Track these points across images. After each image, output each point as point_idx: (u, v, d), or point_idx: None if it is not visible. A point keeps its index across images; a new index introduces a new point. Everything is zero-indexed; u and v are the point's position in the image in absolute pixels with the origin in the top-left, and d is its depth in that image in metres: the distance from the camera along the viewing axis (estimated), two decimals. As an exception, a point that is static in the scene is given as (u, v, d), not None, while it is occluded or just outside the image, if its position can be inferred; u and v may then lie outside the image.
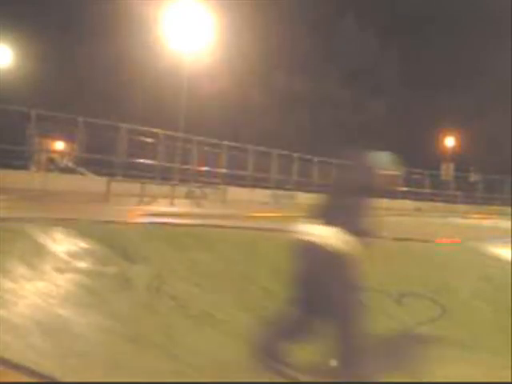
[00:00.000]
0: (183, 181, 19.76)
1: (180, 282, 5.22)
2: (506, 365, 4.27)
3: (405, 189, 29.44)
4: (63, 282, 4.50)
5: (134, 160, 19.68)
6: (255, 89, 33.47)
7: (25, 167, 16.94)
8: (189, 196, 17.38)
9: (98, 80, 35.31)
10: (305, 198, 20.20)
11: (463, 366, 4.51)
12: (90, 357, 3.43)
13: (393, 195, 27.75)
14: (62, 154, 20.36)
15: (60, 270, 4.66)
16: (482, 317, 6.03)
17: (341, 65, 36.95)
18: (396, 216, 14.91)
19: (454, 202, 32.25)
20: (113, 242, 5.50)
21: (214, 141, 22.72)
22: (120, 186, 15.32)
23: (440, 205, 30.33)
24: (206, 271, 5.59)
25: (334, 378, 3.69)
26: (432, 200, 31.73)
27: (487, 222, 17.08)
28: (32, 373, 2.78)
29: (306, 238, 3.86)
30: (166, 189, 16.32)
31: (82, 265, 4.94)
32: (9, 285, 4.03)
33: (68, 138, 20.35)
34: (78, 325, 3.82)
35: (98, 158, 18.81)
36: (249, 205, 16.34)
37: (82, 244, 5.31)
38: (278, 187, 24.02)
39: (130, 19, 28.34)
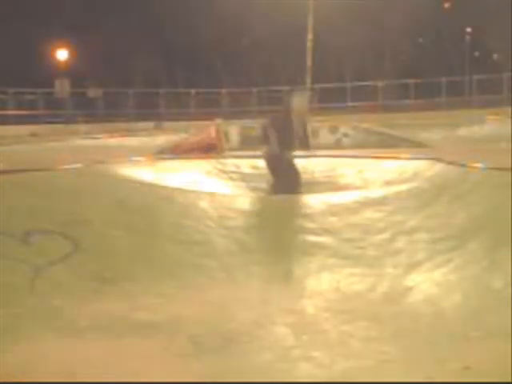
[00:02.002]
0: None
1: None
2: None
3: (17, 112, 27.26)
4: None
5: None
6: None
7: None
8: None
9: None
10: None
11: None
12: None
13: (3, 121, 25.20)
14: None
15: None
16: (119, 245, 5.96)
17: None
18: (10, 145, 14.72)
19: (74, 122, 29.07)
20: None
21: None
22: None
23: (59, 127, 27.21)
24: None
25: None
26: (49, 122, 28.68)
27: (113, 142, 16.92)
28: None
29: None
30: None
31: None
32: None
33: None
34: None
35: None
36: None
37: None
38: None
39: None
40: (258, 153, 8.63)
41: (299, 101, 8.27)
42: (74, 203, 6.60)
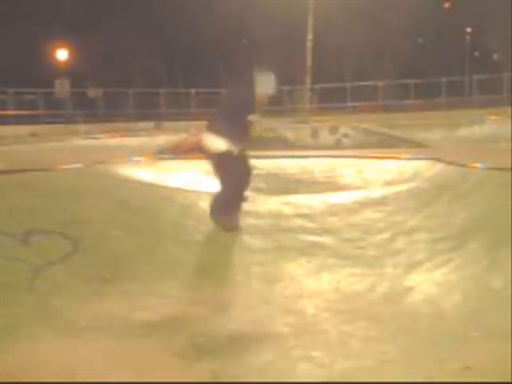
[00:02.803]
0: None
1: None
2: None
3: (17, 112, 27.21)
4: None
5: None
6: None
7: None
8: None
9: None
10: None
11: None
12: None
13: (4, 121, 25.17)
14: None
15: None
16: (119, 246, 5.97)
17: None
18: (10, 145, 14.77)
19: (74, 122, 29.22)
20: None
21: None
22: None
23: (59, 127, 27.29)
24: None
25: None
26: (48, 122, 28.81)
27: (113, 142, 17.01)
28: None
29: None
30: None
31: None
32: None
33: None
34: None
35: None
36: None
37: None
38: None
39: None
40: (258, 153, 8.63)
41: (265, 84, 6.39)
42: (74, 203, 6.60)
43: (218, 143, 6.31)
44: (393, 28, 42.66)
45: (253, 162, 6.96)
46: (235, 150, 6.33)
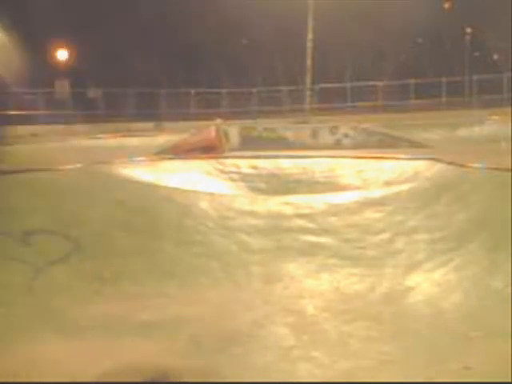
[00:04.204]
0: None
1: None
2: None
3: (17, 112, 26.86)
4: None
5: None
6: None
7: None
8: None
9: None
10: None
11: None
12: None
13: (5, 122, 24.02)
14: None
15: None
16: (119, 245, 5.97)
17: None
18: (10, 145, 14.63)
19: (74, 123, 29.03)
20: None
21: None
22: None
23: (59, 127, 27.21)
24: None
25: None
26: (48, 122, 28.67)
27: (113, 142, 17.07)
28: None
29: None
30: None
31: None
32: None
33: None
34: None
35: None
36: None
37: None
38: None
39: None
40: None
41: None
42: (75, 203, 6.60)
43: None
44: (393, 28, 42.64)
45: (253, 162, 6.94)
46: None
